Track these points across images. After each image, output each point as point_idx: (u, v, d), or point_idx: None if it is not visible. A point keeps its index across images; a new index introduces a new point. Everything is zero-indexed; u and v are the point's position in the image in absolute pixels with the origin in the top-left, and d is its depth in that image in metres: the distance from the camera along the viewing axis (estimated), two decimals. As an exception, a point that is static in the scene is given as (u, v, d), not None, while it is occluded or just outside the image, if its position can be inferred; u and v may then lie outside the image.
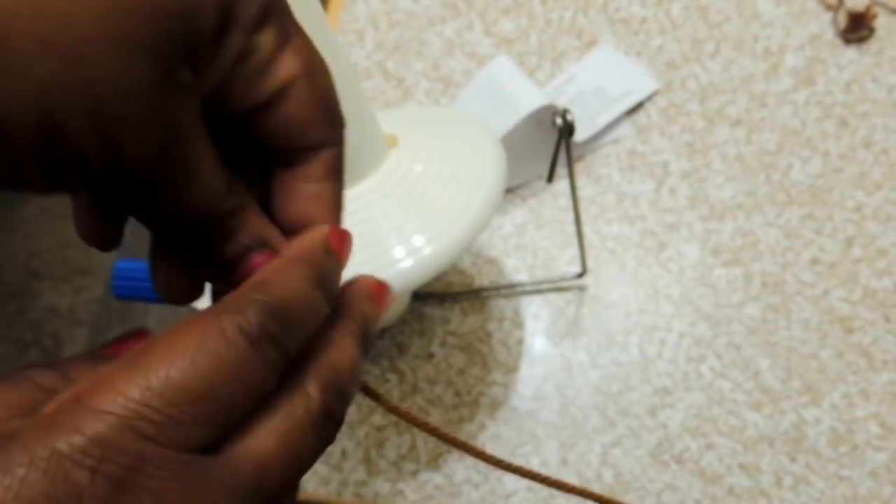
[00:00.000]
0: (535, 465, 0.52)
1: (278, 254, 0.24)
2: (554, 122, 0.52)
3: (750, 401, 0.53)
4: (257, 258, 0.24)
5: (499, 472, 0.52)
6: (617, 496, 0.50)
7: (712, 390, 0.53)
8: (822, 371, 0.53)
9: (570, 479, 0.51)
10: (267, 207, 0.25)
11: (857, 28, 0.61)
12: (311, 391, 0.22)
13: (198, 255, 0.24)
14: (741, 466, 0.51)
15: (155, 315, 1.37)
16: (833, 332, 0.54)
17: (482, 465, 0.52)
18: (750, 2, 0.63)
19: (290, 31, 0.23)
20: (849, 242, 0.56)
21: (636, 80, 0.61)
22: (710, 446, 0.52)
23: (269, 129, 0.23)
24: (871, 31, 0.62)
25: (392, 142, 0.42)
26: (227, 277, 0.24)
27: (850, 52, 0.61)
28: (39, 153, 0.19)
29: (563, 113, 0.52)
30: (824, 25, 0.62)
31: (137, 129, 0.20)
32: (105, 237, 0.24)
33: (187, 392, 0.19)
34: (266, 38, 0.22)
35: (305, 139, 0.24)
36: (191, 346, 0.19)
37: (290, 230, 0.25)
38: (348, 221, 0.40)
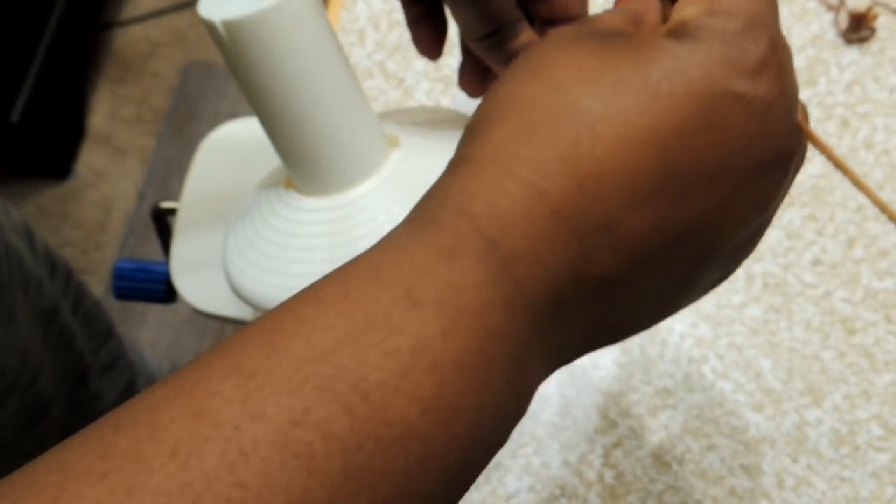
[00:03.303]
0: (536, 465, 0.52)
1: None
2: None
3: (751, 402, 0.52)
4: None
5: (500, 473, 0.51)
6: (618, 497, 0.50)
7: (714, 391, 0.53)
8: (824, 372, 0.53)
9: (572, 480, 0.51)
10: None
11: (858, 28, 0.61)
12: None
13: (490, 55, 0.38)
14: (743, 467, 0.51)
15: (155, 315, 1.37)
16: (835, 332, 0.54)
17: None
18: (751, 2, 0.63)
19: None
20: (850, 243, 0.56)
21: (637, 81, 0.61)
22: (711, 447, 0.51)
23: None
24: (873, 31, 0.61)
25: (393, 142, 0.42)
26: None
27: (852, 53, 0.61)
28: None
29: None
30: (825, 26, 0.62)
31: None
32: (433, 49, 0.41)
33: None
34: None
35: (570, 13, 0.38)
36: None
37: None
38: (348, 222, 0.39)
